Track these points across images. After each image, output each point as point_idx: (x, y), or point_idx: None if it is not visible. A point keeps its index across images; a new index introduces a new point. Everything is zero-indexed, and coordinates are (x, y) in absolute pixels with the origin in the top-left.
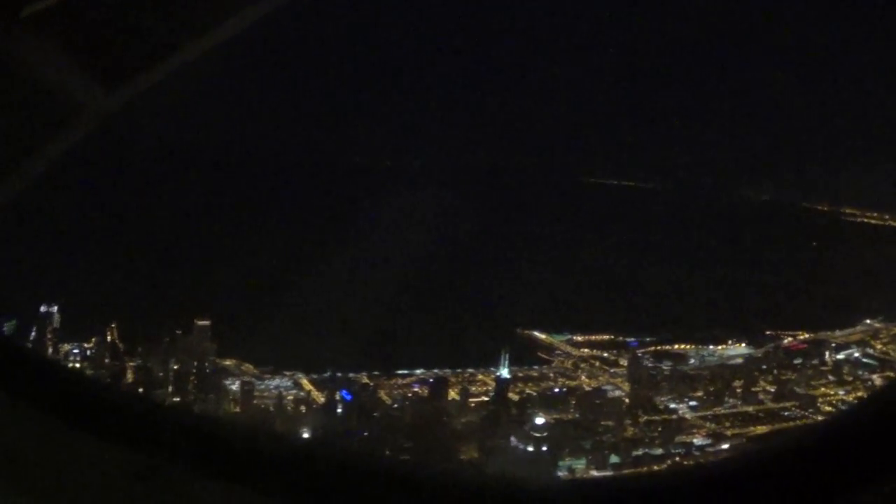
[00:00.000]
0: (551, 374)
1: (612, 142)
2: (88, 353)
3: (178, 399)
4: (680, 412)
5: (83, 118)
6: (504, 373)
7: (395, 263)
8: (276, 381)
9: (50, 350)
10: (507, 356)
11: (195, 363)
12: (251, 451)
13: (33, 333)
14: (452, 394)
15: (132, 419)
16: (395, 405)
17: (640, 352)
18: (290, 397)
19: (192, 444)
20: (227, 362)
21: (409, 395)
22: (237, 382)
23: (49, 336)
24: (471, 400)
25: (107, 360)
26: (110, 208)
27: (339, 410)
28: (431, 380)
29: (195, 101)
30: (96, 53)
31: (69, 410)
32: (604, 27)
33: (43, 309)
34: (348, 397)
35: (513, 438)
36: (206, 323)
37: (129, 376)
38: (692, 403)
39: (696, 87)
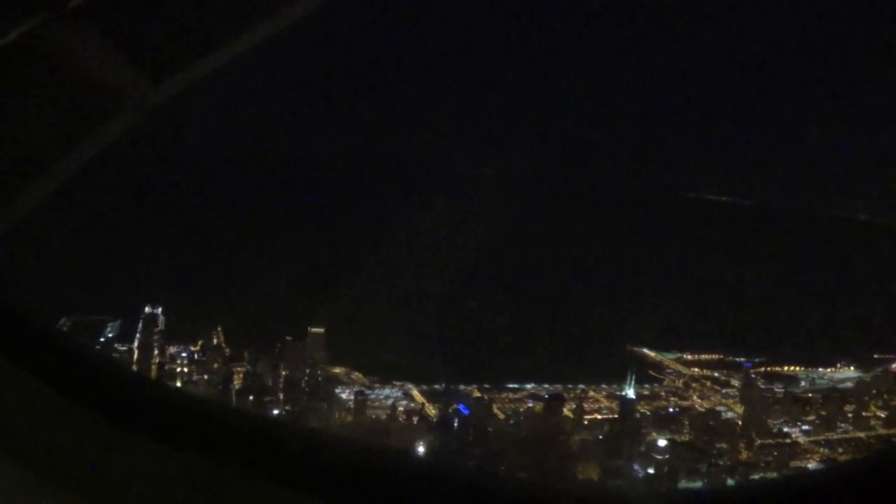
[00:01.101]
0: (663, 393)
1: (709, 157)
2: (196, 356)
3: (289, 408)
4: (793, 436)
5: (128, 111)
6: (630, 392)
7: (497, 276)
8: (387, 391)
9: (156, 352)
10: (634, 376)
11: (307, 371)
12: (314, 457)
13: (138, 335)
14: (566, 410)
15: (191, 422)
16: (511, 421)
17: (752, 373)
18: (401, 408)
19: (254, 450)
20: (337, 370)
21: (522, 410)
22: (347, 391)
23: (155, 338)
24: (585, 417)
25: (215, 365)
26: (206, 207)
27: (455, 424)
28: (546, 395)
29: (244, 97)
30: (142, 46)
31: (124, 411)
32: (709, 40)
33: (147, 310)
34: (465, 411)
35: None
36: (321, 330)
37: (237, 382)
38: (805, 427)
39: (794, 105)
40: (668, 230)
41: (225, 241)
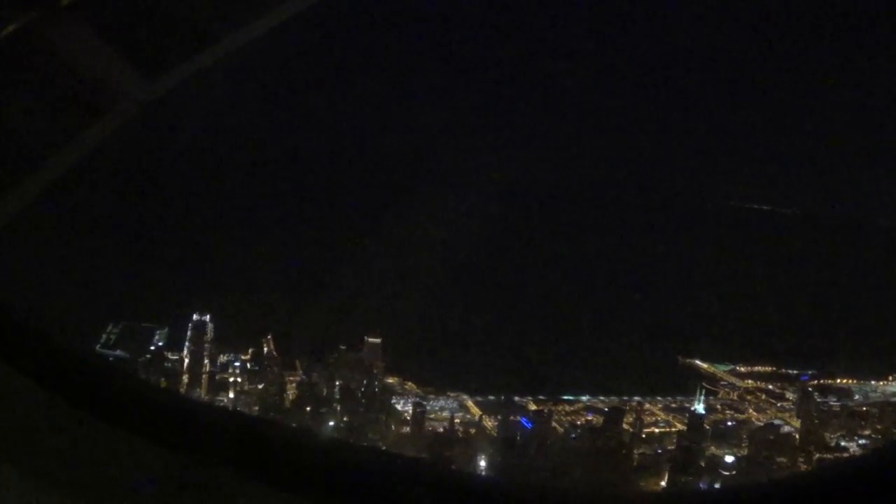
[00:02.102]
0: (719, 406)
1: (747, 166)
2: (247, 366)
3: (346, 419)
4: (851, 451)
5: (122, 106)
6: (699, 408)
7: (546, 288)
8: (442, 402)
9: (206, 361)
10: (703, 390)
11: (364, 381)
12: (303, 457)
13: (187, 343)
14: (624, 423)
15: (183, 422)
16: (572, 435)
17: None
18: (458, 420)
19: (244, 449)
20: (390, 380)
21: (580, 423)
22: (402, 402)
23: (205, 346)
24: (643, 431)
25: (270, 376)
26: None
27: (518, 438)
28: (605, 409)
29: (241, 93)
30: (137, 42)
31: (117, 411)
32: (711, 41)
33: (195, 318)
34: (528, 425)
35: None
36: (378, 340)
37: (291, 392)
38: (862, 442)
39: (833, 113)
40: (705, 236)
41: (239, 241)
